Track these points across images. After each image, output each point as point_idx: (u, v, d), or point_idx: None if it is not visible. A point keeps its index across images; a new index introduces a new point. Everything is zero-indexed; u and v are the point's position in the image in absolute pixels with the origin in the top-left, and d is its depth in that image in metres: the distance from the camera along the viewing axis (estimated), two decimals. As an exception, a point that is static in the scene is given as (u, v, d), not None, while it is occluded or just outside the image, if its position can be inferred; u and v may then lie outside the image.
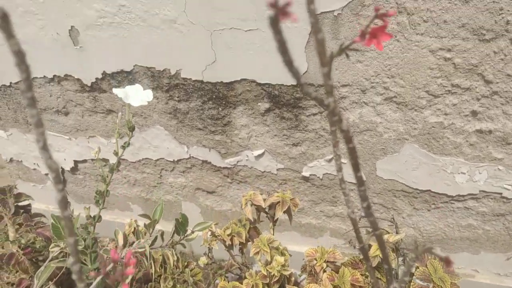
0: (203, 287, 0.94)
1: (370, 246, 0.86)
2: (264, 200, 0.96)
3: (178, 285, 0.90)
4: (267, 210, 0.98)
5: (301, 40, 1.20)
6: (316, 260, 0.85)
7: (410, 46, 1.14)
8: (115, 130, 1.62)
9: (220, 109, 1.43)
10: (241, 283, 0.90)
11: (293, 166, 1.47)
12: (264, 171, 1.52)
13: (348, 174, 1.42)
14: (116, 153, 0.93)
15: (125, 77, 1.46)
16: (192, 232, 0.88)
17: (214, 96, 1.41)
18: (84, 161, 1.76)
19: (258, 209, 0.98)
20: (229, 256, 1.05)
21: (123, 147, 0.92)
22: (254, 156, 1.49)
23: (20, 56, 0.27)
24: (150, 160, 1.66)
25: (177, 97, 1.45)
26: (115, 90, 0.81)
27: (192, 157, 1.59)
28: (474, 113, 1.19)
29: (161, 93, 1.46)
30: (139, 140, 1.61)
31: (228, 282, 0.89)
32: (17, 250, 1.07)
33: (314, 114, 1.34)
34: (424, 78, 1.17)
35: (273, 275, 0.84)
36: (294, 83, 1.29)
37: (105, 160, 1.72)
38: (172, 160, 1.62)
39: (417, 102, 1.21)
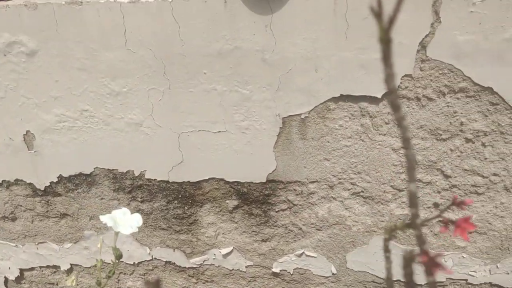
0: None
1: None
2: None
3: None
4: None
5: (270, 141, 1.23)
6: None
7: (374, 145, 1.20)
8: (68, 235, 1.51)
9: (186, 208, 1.40)
10: None
11: (262, 263, 1.45)
12: (233, 269, 1.47)
13: (319, 268, 1.41)
14: (99, 283, 0.86)
15: (83, 180, 1.39)
16: None
17: (180, 196, 1.38)
18: (32, 269, 1.61)
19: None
20: None
21: (109, 277, 0.85)
22: (222, 254, 1.44)
23: None
24: (107, 264, 1.55)
25: (140, 198, 1.40)
26: (102, 218, 0.76)
27: (155, 258, 1.51)
28: (436, 205, 1.25)
29: (123, 195, 1.40)
30: (96, 243, 1.52)
31: None
32: None
33: (283, 210, 1.34)
34: (388, 173, 1.23)
35: None
36: (264, 180, 1.30)
37: (56, 267, 1.59)
38: (132, 263, 1.53)
39: (383, 196, 1.26)
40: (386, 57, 0.29)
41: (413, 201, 0.33)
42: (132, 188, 1.38)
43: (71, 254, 1.55)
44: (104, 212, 1.45)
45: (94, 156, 1.35)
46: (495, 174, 1.18)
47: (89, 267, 1.58)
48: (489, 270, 1.29)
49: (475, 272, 1.31)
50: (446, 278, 1.34)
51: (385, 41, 0.28)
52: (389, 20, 0.27)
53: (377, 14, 0.27)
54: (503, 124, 1.12)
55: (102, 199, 1.42)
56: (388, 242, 0.41)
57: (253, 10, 1.09)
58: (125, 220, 0.78)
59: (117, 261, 0.83)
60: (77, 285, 1.62)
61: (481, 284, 1.33)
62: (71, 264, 1.57)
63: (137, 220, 0.79)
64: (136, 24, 1.14)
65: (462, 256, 1.30)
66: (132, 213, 1.25)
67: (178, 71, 1.18)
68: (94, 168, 1.36)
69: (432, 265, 0.29)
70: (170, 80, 1.20)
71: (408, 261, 0.33)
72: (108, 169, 1.36)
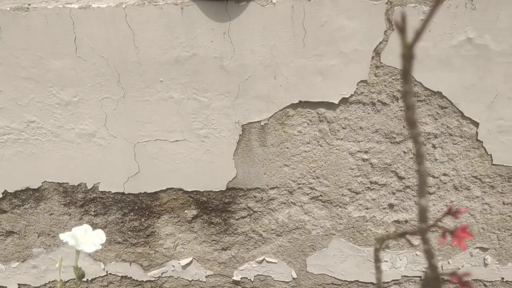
0: None
1: None
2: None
3: None
4: None
5: (230, 149, 1.22)
6: None
7: (332, 150, 1.23)
8: (15, 254, 1.42)
9: (142, 219, 1.35)
10: None
11: (223, 271, 1.43)
12: (192, 280, 1.44)
13: (280, 273, 1.42)
14: None
15: (30, 195, 1.31)
16: None
17: (136, 207, 1.33)
18: (-27, 292, 1.49)
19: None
20: None
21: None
22: (181, 265, 1.41)
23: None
24: (56, 282, 1.47)
25: (94, 212, 1.34)
26: (62, 236, 0.72)
27: (110, 273, 1.45)
28: (391, 206, 1.30)
29: (74, 209, 1.33)
30: (46, 261, 1.43)
31: None
32: None
33: (244, 217, 1.33)
34: (346, 177, 1.26)
35: None
36: (223, 188, 1.28)
37: (1, 289, 1.49)
38: (85, 279, 1.46)
39: (341, 199, 1.29)
40: (406, 73, 0.29)
41: (423, 216, 0.33)
42: (84, 201, 1.32)
43: (18, 274, 1.45)
44: (54, 228, 1.37)
45: (42, 170, 1.27)
46: (445, 174, 1.24)
47: (38, 287, 1.48)
48: (441, 266, 1.35)
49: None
50: (402, 276, 1.39)
51: (408, 58, 0.28)
52: (415, 37, 0.27)
53: (401, 29, 0.27)
54: (451, 127, 1.18)
55: (51, 214, 1.35)
56: (379, 252, 0.42)
57: (210, 17, 1.07)
58: (87, 238, 0.74)
59: (79, 281, 0.78)
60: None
61: (433, 279, 1.39)
62: (18, 284, 1.48)
63: (100, 237, 0.75)
64: (88, 31, 1.09)
65: (416, 254, 1.35)
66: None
67: (133, 79, 1.14)
68: (43, 182, 1.29)
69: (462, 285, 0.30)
70: (124, 88, 1.15)
71: (434, 282, 0.33)
72: (58, 183, 1.29)
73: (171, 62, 1.12)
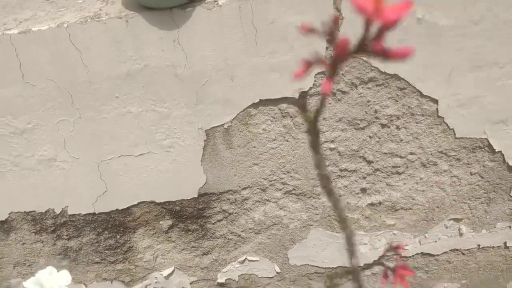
0: None
1: None
2: None
3: None
4: None
5: (197, 156, 1.21)
6: None
7: (298, 143, 1.22)
8: (-9, 288, 1.38)
9: (118, 236, 1.33)
10: None
11: (206, 276, 1.42)
12: (177, 288, 1.44)
13: (263, 270, 1.42)
14: None
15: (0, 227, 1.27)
16: None
17: (109, 225, 1.31)
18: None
19: None
20: None
21: None
22: (163, 276, 1.40)
23: None
24: (41, 309, 1.44)
25: (66, 236, 1.31)
26: (26, 284, 0.70)
27: (93, 294, 1.43)
28: (363, 190, 1.31)
29: (46, 235, 1.30)
30: (24, 291, 1.40)
31: None
32: None
33: (220, 220, 1.33)
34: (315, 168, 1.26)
35: None
36: (195, 195, 1.27)
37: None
38: (68, 303, 1.43)
39: (314, 190, 1.29)
40: (315, 148, 0.28)
41: (351, 250, 0.33)
42: (55, 227, 1.29)
43: (-3, 308, 1.42)
44: (28, 256, 1.34)
45: (7, 201, 1.23)
46: (411, 153, 1.26)
47: (21, 317, 1.45)
48: (419, 241, 1.38)
49: (407, 245, 1.39)
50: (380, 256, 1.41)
51: (314, 133, 0.28)
52: (315, 113, 0.27)
53: (303, 107, 0.27)
54: (412, 106, 1.19)
55: (23, 244, 1.31)
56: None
57: (158, 26, 1.05)
58: (52, 281, 0.72)
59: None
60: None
61: (413, 255, 1.42)
62: (-1, 319, 1.44)
63: (65, 278, 0.73)
64: (31, 56, 1.05)
65: (393, 233, 1.37)
66: (60, 257, 1.18)
67: (87, 98, 1.11)
68: (9, 214, 1.25)
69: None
70: (79, 109, 1.12)
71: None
72: (25, 212, 1.26)
73: (122, 76, 1.09)
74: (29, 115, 1.12)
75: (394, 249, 0.37)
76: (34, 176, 1.20)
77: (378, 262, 0.37)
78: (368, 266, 0.49)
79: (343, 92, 1.16)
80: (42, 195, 1.23)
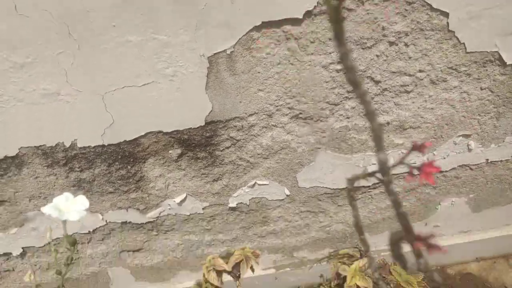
0: None
1: (345, 277, 0.89)
2: (226, 262, 0.94)
3: None
4: (231, 271, 0.96)
5: (201, 83, 1.19)
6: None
7: (304, 66, 1.19)
8: (11, 221, 1.43)
9: (129, 167, 1.35)
10: None
11: (218, 201, 1.46)
12: (190, 214, 1.48)
13: (273, 193, 1.45)
14: (59, 272, 0.82)
15: (10, 163, 1.29)
16: None
17: (119, 157, 1.32)
18: (-18, 263, 1.53)
19: (219, 271, 0.95)
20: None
21: (68, 264, 0.81)
22: (176, 203, 1.44)
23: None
24: (61, 238, 1.51)
25: (78, 168, 1.33)
26: (44, 210, 0.71)
27: (109, 222, 1.48)
28: (371, 111, 1.29)
29: (59, 168, 1.32)
30: (44, 222, 1.45)
31: None
32: None
33: (228, 147, 1.33)
34: (322, 91, 1.24)
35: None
36: (202, 123, 1.27)
37: (8, 254, 1.53)
38: (87, 231, 1.49)
39: (321, 113, 1.28)
40: (339, 38, 0.26)
41: (383, 168, 0.32)
42: (66, 160, 1.31)
43: (19, 238, 1.48)
44: (43, 189, 1.37)
45: (16, 136, 1.24)
46: (420, 71, 1.22)
47: (43, 246, 1.52)
48: (427, 159, 1.39)
49: (415, 163, 1.40)
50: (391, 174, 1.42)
51: (337, 20, 0.25)
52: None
53: None
54: (421, 21, 1.14)
55: (36, 178, 1.34)
56: (353, 192, 0.41)
57: None
58: (69, 206, 0.73)
59: (73, 248, 0.79)
60: (36, 279, 1.57)
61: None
62: (23, 248, 1.51)
63: (82, 203, 0.74)
64: (22, -16, 1.00)
65: (402, 152, 1.37)
66: (74, 189, 1.20)
67: (85, 28, 1.07)
68: (19, 149, 1.26)
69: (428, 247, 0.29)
70: (77, 40, 1.09)
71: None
72: (35, 147, 1.27)
73: (119, 3, 1.04)
74: (27, 48, 1.09)
75: (418, 148, 0.37)
76: (40, 110, 1.19)
77: (400, 162, 0.37)
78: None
79: (349, 10, 1.11)
80: (50, 129, 1.23)
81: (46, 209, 0.71)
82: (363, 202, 1.51)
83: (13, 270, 1.57)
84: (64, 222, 0.74)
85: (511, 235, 1.56)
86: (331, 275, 0.93)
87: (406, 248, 0.47)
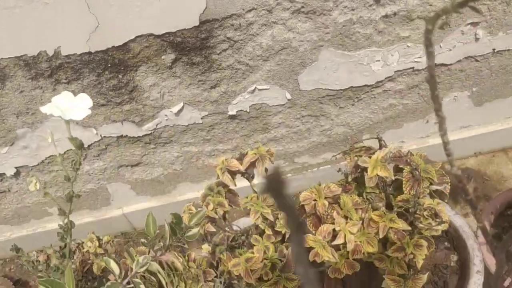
0: (213, 272, 0.88)
1: (363, 169, 0.86)
2: (240, 162, 0.90)
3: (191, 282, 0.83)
4: (245, 171, 0.92)
5: (193, -25, 1.07)
6: (317, 200, 0.84)
7: (306, -50, 1.08)
8: (0, 140, 1.36)
9: (120, 76, 1.26)
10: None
11: (217, 109, 1.40)
12: (189, 124, 1.42)
13: (274, 98, 1.40)
14: (68, 178, 0.77)
15: (-9, 76, 1.19)
16: (190, 228, 0.77)
17: (109, 65, 1.23)
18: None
19: (233, 172, 0.91)
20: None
21: (77, 169, 0.76)
22: (173, 113, 1.37)
23: None
24: (55, 156, 1.45)
25: (65, 79, 1.24)
26: (43, 109, 0.64)
27: (104, 137, 1.42)
28: (377, 0, 1.21)
29: (44, 81, 1.23)
30: (34, 139, 1.38)
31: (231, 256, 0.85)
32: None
33: (225, 50, 1.25)
34: (326, -20, 1.14)
35: (284, 232, 0.82)
36: (196, 23, 1.17)
37: (1, 175, 1.47)
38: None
39: (324, 6, 1.19)
40: None
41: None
42: (51, 71, 1.21)
43: (11, 158, 1.42)
44: (29, 104, 1.28)
45: (-8, 47, 1.13)
46: (432, -48, 1.12)
47: (37, 165, 1.47)
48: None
49: (420, 58, 1.34)
50: (394, 71, 1.37)
51: None
52: None
53: None
54: None
55: (21, 92, 1.25)
56: (431, 34, 0.35)
57: None
58: (72, 105, 0.66)
59: (80, 151, 0.74)
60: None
61: (424, 68, 1.38)
62: (16, 168, 1.45)
63: (85, 100, 0.67)
64: None
65: (407, 46, 1.31)
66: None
67: None
68: (0, 60, 1.16)
69: None
70: None
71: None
72: (16, 57, 1.16)
73: None
74: None
75: None
76: (16, 15, 1.07)
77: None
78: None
79: None
80: (30, 36, 1.12)
81: (46, 109, 0.64)
82: (365, 103, 1.46)
83: (9, 191, 1.53)
84: (68, 122, 0.68)
85: (511, 128, 1.56)
86: (349, 170, 0.90)
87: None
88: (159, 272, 0.64)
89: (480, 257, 0.97)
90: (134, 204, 1.67)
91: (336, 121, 1.50)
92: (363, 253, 0.79)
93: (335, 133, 1.54)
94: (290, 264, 0.85)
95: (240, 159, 0.92)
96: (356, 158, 0.88)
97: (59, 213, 0.82)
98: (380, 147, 0.93)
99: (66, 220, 0.82)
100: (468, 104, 1.50)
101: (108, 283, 0.63)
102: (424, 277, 0.84)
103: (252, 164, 0.90)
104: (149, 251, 0.71)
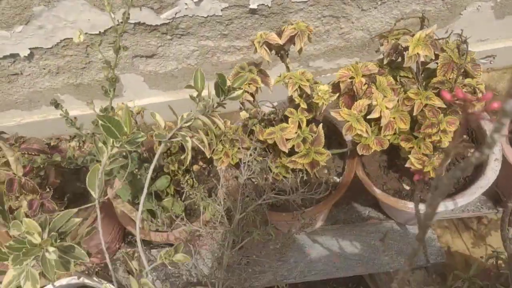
0: (247, 140, 0.91)
1: (402, 50, 0.87)
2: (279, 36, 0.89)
3: (228, 146, 0.86)
4: (283, 46, 0.91)
5: None
6: (354, 78, 0.84)
7: None
8: (16, 17, 1.32)
9: (143, -44, 1.21)
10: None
11: (238, 2, 1.37)
12: (208, 16, 1.40)
13: None
14: (117, 50, 0.76)
15: None
16: (234, 89, 0.77)
17: None
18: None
19: (270, 48, 0.91)
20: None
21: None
22: (194, 2, 1.34)
23: None
24: (70, 39, 1.42)
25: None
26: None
27: (121, 22, 1.38)
28: None
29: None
30: (50, 19, 1.35)
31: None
32: (13, 173, 0.92)
33: None
34: None
35: (321, 104, 0.83)
36: None
37: (15, 56, 1.45)
38: (97, 32, 1.41)
39: None
40: None
41: None
42: None
43: (26, 38, 1.39)
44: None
45: None
46: None
47: (51, 48, 1.44)
48: None
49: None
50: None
51: None
52: None
53: None
54: None
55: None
56: None
57: None
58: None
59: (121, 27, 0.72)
60: (44, 68, 1.51)
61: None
62: (30, 49, 1.43)
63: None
64: None
65: None
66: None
67: None
68: None
69: None
70: None
71: None
72: None
73: None
74: None
75: None
76: None
77: None
78: None
79: None
80: None
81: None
82: (387, 7, 1.44)
83: (21, 73, 1.51)
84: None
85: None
86: (385, 53, 0.90)
87: None
88: (203, 129, 0.66)
89: (499, 146, 1.01)
90: (146, 98, 1.67)
91: (357, 24, 1.49)
92: (394, 130, 0.82)
93: (353, 37, 1.53)
94: (321, 140, 0.88)
95: (279, 34, 0.91)
96: (393, 41, 0.88)
97: (105, 64, 0.85)
98: (421, 27, 0.93)
99: (111, 74, 0.85)
100: (489, 15, 1.49)
101: (155, 132, 0.66)
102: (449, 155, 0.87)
103: (291, 40, 0.90)
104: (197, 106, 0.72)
